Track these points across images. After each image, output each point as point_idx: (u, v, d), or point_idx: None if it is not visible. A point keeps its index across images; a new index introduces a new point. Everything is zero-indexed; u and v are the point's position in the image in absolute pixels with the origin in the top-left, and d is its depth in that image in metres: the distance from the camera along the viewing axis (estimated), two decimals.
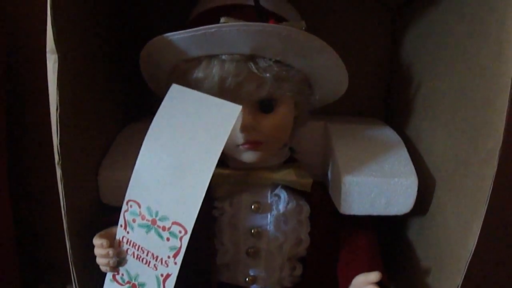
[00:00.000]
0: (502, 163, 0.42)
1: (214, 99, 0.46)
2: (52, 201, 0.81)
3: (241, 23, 0.45)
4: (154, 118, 0.47)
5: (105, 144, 0.54)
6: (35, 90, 0.80)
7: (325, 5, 0.61)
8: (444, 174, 0.52)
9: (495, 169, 0.42)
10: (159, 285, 0.46)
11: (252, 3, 0.49)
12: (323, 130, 0.60)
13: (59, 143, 0.44)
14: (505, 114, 0.41)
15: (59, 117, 0.44)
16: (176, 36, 0.46)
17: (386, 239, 0.60)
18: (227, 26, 0.44)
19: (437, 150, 0.54)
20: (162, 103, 0.47)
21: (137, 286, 0.48)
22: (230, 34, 0.45)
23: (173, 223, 0.44)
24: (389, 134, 0.59)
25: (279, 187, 0.55)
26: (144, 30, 0.68)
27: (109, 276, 0.49)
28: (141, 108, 0.68)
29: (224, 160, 0.57)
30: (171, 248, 0.45)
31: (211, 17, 0.49)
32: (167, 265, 0.45)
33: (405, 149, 0.56)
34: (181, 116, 0.46)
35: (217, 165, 0.54)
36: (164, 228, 0.45)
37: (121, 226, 0.48)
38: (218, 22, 0.46)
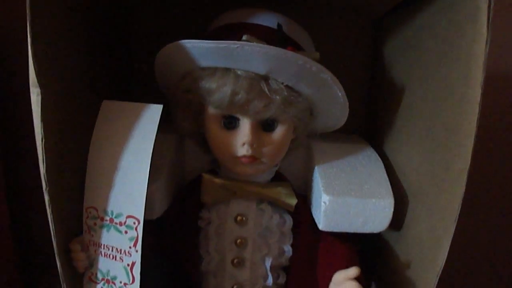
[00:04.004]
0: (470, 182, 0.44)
1: (139, 105, 0.50)
2: None
3: (263, 45, 0.46)
4: (93, 132, 0.51)
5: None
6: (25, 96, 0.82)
7: (304, 19, 0.61)
8: (418, 191, 0.53)
9: (464, 188, 0.44)
10: (127, 274, 0.50)
11: (274, 26, 0.52)
12: (307, 147, 0.61)
13: (45, 171, 0.45)
14: (473, 137, 0.42)
15: (44, 147, 0.45)
16: (197, 44, 0.47)
17: (365, 251, 0.61)
18: (250, 45, 0.46)
19: (412, 168, 0.55)
20: (97, 118, 0.51)
21: (111, 281, 0.51)
22: (250, 53, 0.46)
23: (127, 216, 0.49)
24: (369, 154, 0.60)
25: (265, 201, 0.57)
26: (125, 55, 0.71)
27: (85, 278, 0.53)
28: None
29: (216, 170, 0.59)
30: (130, 239, 0.49)
31: (232, 31, 0.51)
32: (131, 255, 0.49)
33: (384, 170, 0.57)
34: (115, 125, 0.50)
35: (209, 173, 0.57)
36: (120, 224, 0.49)
37: (85, 231, 0.51)
38: (239, 37, 0.48)
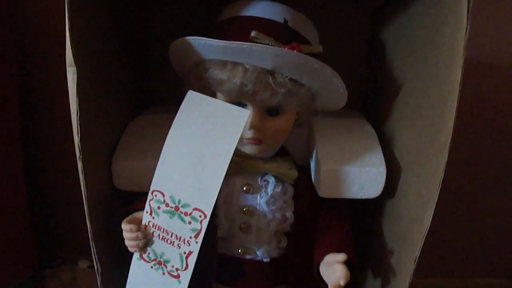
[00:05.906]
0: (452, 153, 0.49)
1: (226, 105, 0.51)
2: (65, 183, 0.88)
3: (270, 47, 0.50)
4: (175, 120, 0.51)
5: (116, 136, 0.58)
6: (47, 81, 0.85)
7: (306, 9, 0.65)
8: (408, 162, 0.58)
9: (446, 159, 0.48)
10: (182, 261, 0.52)
11: (280, 20, 0.55)
12: (309, 121, 0.65)
13: (80, 141, 0.49)
14: (454, 113, 0.47)
15: (79, 119, 0.49)
16: (209, 42, 0.51)
17: (361, 217, 0.65)
18: (258, 46, 0.50)
19: (403, 142, 0.59)
20: (181, 106, 0.52)
21: (163, 263, 0.53)
22: (258, 52, 0.50)
23: (194, 209, 0.50)
24: (365, 127, 0.64)
25: (269, 173, 0.61)
26: (149, 36, 0.76)
27: (136, 256, 0.54)
28: (144, 104, 0.74)
29: None
30: (193, 230, 0.50)
31: (241, 27, 0.55)
32: (189, 244, 0.51)
33: (378, 142, 0.61)
34: (198, 118, 0.51)
35: None
36: (186, 214, 0.50)
37: (147, 212, 0.53)
38: (248, 33, 0.52)
